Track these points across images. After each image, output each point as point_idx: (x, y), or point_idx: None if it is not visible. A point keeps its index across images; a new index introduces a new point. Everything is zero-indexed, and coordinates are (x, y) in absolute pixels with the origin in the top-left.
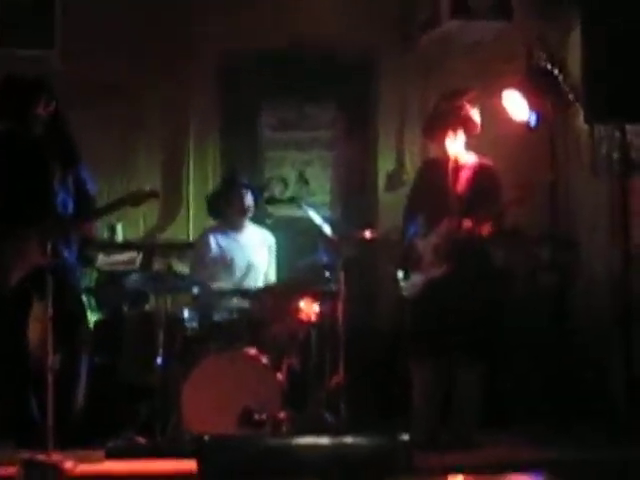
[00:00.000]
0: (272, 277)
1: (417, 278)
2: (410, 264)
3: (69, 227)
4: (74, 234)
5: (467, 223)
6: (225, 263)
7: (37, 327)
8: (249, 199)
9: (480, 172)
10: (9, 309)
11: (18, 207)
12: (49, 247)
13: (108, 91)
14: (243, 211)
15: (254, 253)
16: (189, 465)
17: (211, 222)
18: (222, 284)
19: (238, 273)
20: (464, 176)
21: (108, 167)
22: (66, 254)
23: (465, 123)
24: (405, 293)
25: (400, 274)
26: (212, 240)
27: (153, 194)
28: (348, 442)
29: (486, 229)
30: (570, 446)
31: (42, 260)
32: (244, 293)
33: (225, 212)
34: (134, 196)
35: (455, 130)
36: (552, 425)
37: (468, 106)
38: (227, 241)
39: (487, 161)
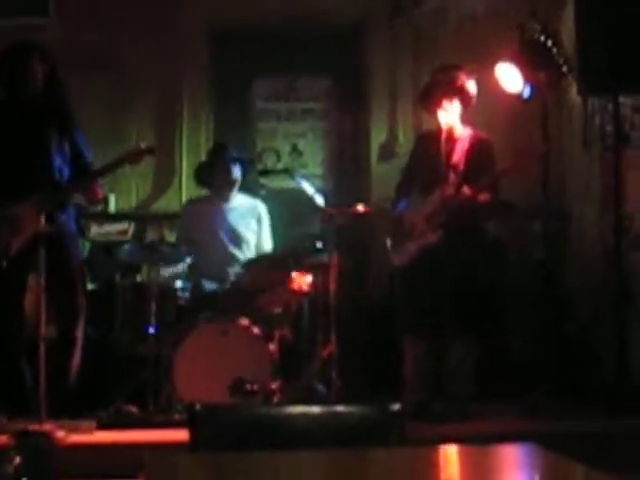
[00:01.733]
0: (266, 248)
1: (410, 247)
2: (401, 233)
3: (67, 193)
4: (73, 200)
5: (466, 190)
6: (210, 233)
7: (33, 296)
8: (236, 171)
9: (475, 144)
10: (6, 278)
11: (15, 174)
12: (44, 215)
13: (101, 61)
14: (229, 183)
15: (241, 223)
16: (181, 434)
17: (203, 192)
18: (209, 254)
19: (225, 243)
20: (459, 147)
21: (100, 137)
22: (64, 221)
23: (461, 94)
24: (397, 262)
25: (390, 243)
26: (196, 210)
27: (149, 150)
28: (339, 411)
29: (484, 196)
30: (561, 419)
31: (40, 228)
32: (236, 263)
33: (212, 183)
34: (132, 154)
35: (451, 100)
36: (544, 398)
37: (464, 77)
38: (212, 211)
39: (482, 133)
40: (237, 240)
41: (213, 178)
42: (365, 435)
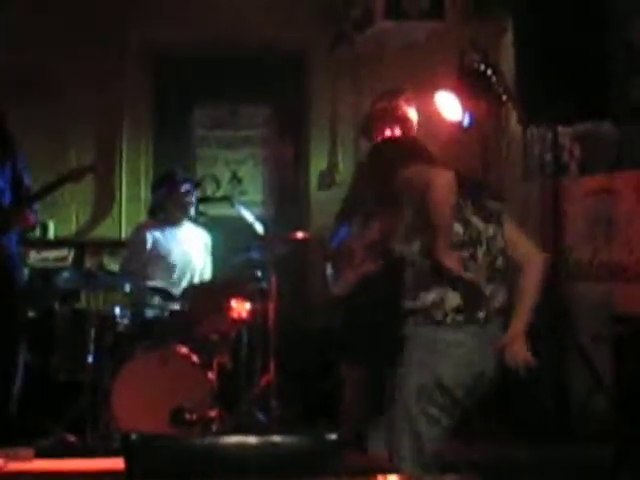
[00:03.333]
0: (207, 275)
1: (349, 276)
2: (342, 262)
3: (10, 217)
4: (14, 224)
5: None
6: (162, 260)
7: None
8: (191, 196)
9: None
10: None
11: None
12: None
13: (40, 87)
14: (185, 207)
15: (192, 250)
16: (117, 464)
17: (143, 219)
18: (159, 282)
19: (176, 270)
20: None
21: (40, 163)
22: (6, 244)
23: (402, 123)
24: (336, 291)
25: (329, 272)
26: (148, 236)
27: (91, 168)
28: (276, 441)
29: None
30: (502, 448)
31: None
32: (168, 294)
33: (166, 208)
34: (74, 171)
35: (392, 129)
36: (482, 425)
37: (405, 106)
38: (164, 237)
39: None
40: (188, 268)
41: (168, 202)
42: (302, 465)
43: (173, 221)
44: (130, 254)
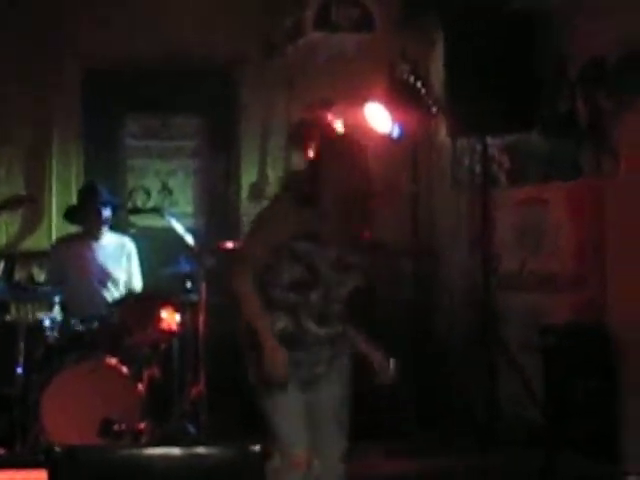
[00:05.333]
0: (137, 285)
1: None
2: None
3: None
4: None
5: None
6: (80, 271)
7: None
8: (106, 211)
9: None
10: None
11: None
12: None
13: None
14: (99, 222)
15: (110, 262)
16: (42, 476)
17: (72, 231)
18: (79, 293)
19: (95, 282)
20: None
21: None
22: None
23: (328, 133)
24: None
25: None
26: (66, 249)
27: (30, 199)
28: (199, 452)
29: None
30: (433, 457)
31: None
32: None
33: (83, 222)
34: (12, 202)
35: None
36: (414, 436)
37: (331, 117)
38: (81, 250)
39: None
40: (106, 278)
41: (83, 217)
42: (225, 476)
43: (91, 234)
44: (51, 268)
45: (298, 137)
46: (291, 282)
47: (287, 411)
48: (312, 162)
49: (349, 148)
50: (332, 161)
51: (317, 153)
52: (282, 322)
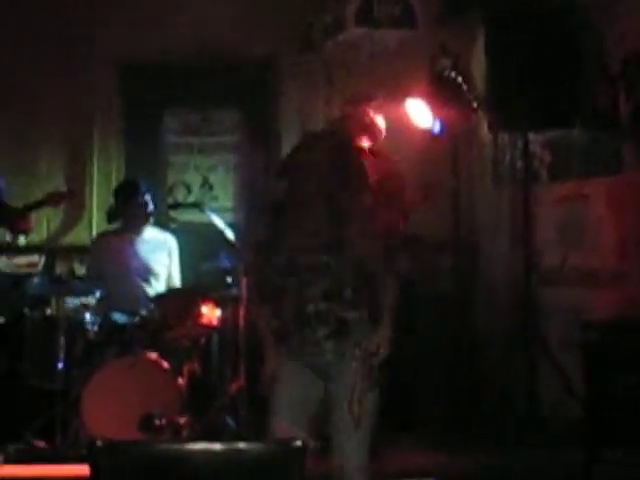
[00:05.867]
0: (176, 281)
1: None
2: None
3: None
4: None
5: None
6: (121, 266)
7: None
8: (149, 206)
9: (383, 174)
10: None
11: None
12: None
13: (11, 93)
14: (144, 216)
15: (151, 257)
16: (84, 470)
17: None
18: (120, 287)
19: (136, 276)
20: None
21: (10, 170)
22: None
23: (369, 129)
24: None
25: None
26: (107, 243)
27: (70, 194)
28: (240, 447)
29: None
30: (472, 452)
31: None
32: (146, 297)
33: (125, 217)
34: (53, 197)
35: (359, 136)
36: (452, 431)
37: (372, 112)
38: (122, 245)
39: (390, 161)
40: (148, 273)
41: (124, 212)
42: (266, 472)
43: (132, 229)
44: (91, 263)
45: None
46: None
47: (277, 408)
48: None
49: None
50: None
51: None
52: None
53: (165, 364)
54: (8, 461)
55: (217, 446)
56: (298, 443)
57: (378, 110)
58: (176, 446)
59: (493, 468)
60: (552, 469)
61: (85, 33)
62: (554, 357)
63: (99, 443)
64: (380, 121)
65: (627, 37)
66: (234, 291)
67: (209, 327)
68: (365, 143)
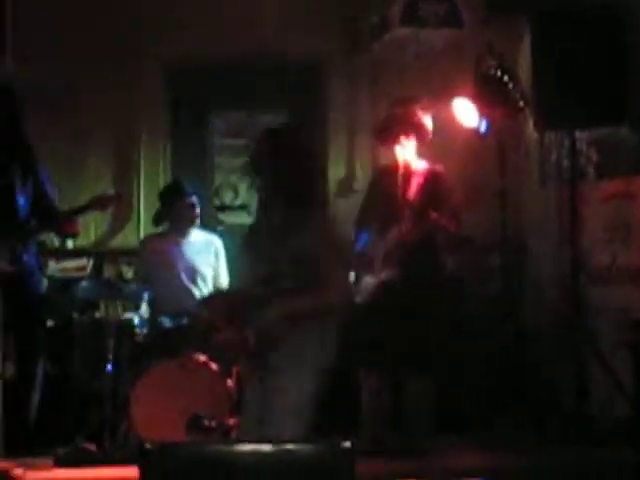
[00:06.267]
0: (223, 282)
1: (369, 283)
2: (361, 269)
3: (35, 234)
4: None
5: (433, 215)
6: (168, 269)
7: None
8: (195, 208)
9: (431, 179)
10: None
11: None
12: (9, 255)
13: (57, 100)
14: (191, 219)
15: (198, 259)
16: (134, 472)
17: (160, 228)
18: (167, 290)
19: (183, 278)
20: (415, 183)
21: (58, 173)
22: (25, 259)
23: (417, 129)
24: (356, 299)
25: (351, 279)
26: (152, 247)
27: (118, 197)
28: (290, 448)
29: (453, 225)
30: (520, 452)
31: (4, 267)
32: (193, 299)
33: (172, 219)
34: (100, 201)
35: (407, 136)
36: (504, 432)
37: (421, 113)
38: (169, 247)
39: (438, 167)
40: (195, 275)
41: (170, 215)
42: (316, 472)
43: (178, 231)
44: (139, 266)
45: (387, 132)
46: None
47: None
48: None
49: None
50: None
51: None
52: None
53: (214, 366)
54: (58, 464)
55: (267, 447)
56: (347, 444)
57: (426, 110)
58: (225, 447)
59: (541, 467)
60: (600, 468)
61: (133, 34)
62: (603, 356)
63: (148, 445)
64: (428, 121)
65: None
66: None
67: None
68: (413, 144)
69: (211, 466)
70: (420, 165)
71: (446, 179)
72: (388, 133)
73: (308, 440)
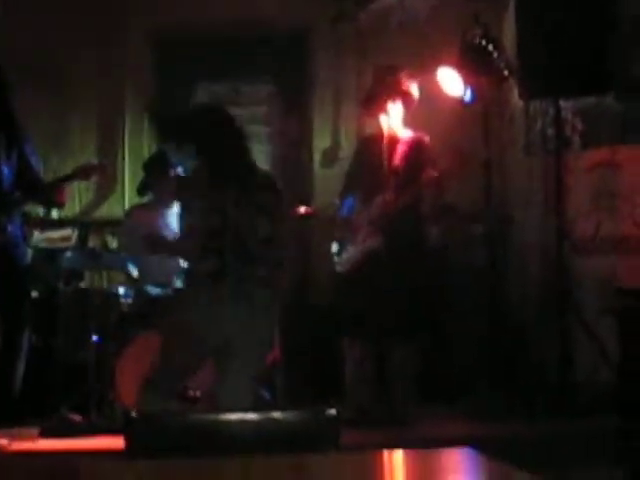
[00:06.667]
0: None
1: (352, 251)
2: (345, 237)
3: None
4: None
5: (431, 172)
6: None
7: None
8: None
9: (416, 147)
10: None
11: None
12: None
13: (41, 69)
14: (171, 190)
15: None
16: (119, 442)
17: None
18: (152, 260)
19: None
20: (400, 150)
21: (42, 144)
22: (10, 229)
23: (404, 97)
24: (339, 268)
25: (334, 249)
26: (137, 217)
27: (101, 167)
28: (275, 417)
29: (437, 193)
30: (504, 421)
31: None
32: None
33: (155, 190)
34: (84, 170)
35: (394, 102)
36: (485, 401)
37: (407, 80)
38: (154, 218)
39: (423, 136)
40: None
41: (157, 186)
42: (300, 441)
43: (163, 202)
44: (124, 236)
45: (373, 99)
46: None
47: None
48: None
49: None
50: None
51: None
52: None
53: None
54: (44, 435)
55: (252, 415)
56: (332, 412)
57: (411, 78)
58: (212, 416)
59: (527, 436)
60: (585, 437)
61: (117, 4)
62: (587, 324)
63: (134, 414)
64: (414, 88)
65: None
66: None
67: None
68: (399, 111)
69: (197, 434)
70: (405, 134)
71: (431, 147)
72: (374, 100)
73: (293, 409)
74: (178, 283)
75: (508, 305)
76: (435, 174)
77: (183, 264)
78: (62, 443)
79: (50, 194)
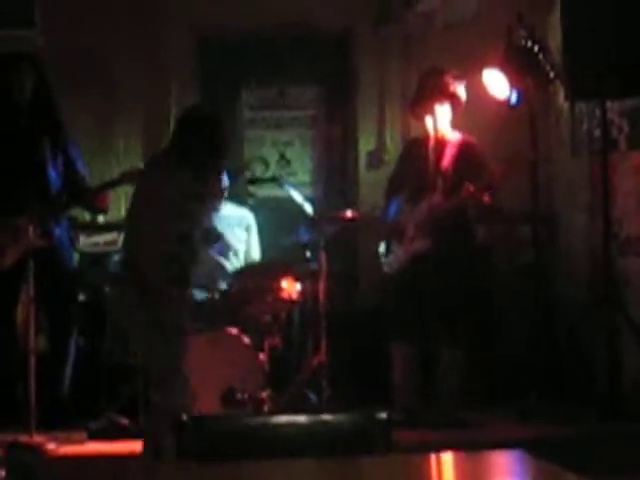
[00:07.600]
0: (255, 256)
1: (399, 253)
2: (393, 239)
3: (65, 209)
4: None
5: (470, 187)
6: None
7: (26, 308)
8: (225, 181)
9: (464, 149)
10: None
11: (9, 188)
12: (41, 229)
13: (88, 72)
14: (220, 194)
15: (229, 233)
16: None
17: None
18: (199, 264)
19: (214, 253)
20: (448, 153)
21: (87, 148)
22: (58, 233)
23: (452, 99)
24: (387, 269)
25: (382, 250)
26: None
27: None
28: (325, 420)
29: (487, 197)
30: (552, 424)
31: (35, 242)
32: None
33: None
34: (131, 174)
35: (442, 105)
36: (535, 403)
37: (455, 82)
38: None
39: (471, 138)
40: (226, 249)
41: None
42: (352, 443)
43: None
44: None
45: (421, 102)
46: None
47: None
48: None
49: None
50: None
51: None
52: None
53: (246, 339)
54: (92, 438)
55: (301, 418)
56: (383, 415)
57: (459, 80)
58: (261, 419)
59: (577, 439)
60: (633, 442)
61: (164, 6)
62: (636, 326)
63: (185, 418)
64: (461, 90)
65: None
66: (313, 265)
67: (289, 302)
68: (447, 113)
69: (246, 438)
70: (453, 136)
71: (480, 150)
72: (421, 102)
73: (347, 411)
74: (223, 286)
75: (555, 307)
76: (472, 189)
77: (228, 268)
78: (110, 446)
79: (95, 199)
